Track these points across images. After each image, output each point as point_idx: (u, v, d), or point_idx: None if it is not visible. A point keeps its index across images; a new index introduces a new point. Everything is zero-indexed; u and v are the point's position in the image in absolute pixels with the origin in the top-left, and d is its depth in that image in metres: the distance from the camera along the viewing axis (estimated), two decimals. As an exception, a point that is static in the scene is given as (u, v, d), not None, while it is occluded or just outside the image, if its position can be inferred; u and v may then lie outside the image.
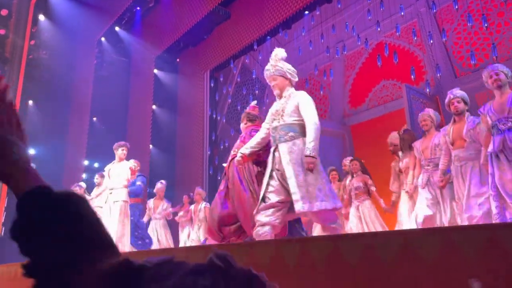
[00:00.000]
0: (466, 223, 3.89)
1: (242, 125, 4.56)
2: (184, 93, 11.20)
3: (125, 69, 12.29)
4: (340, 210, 3.93)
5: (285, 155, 3.52)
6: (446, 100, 4.27)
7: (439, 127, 4.78)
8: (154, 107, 11.14)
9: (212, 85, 10.63)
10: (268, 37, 9.02)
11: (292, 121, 3.63)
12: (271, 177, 3.58)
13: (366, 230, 5.77)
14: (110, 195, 5.64)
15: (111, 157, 6.05)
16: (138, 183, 6.80)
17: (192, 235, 7.44)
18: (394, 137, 5.78)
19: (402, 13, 7.26)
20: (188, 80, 11.08)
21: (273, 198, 3.49)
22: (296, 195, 3.37)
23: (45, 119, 10.86)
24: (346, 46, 8.65)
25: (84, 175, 10.62)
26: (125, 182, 5.66)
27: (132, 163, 5.88)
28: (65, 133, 11.69)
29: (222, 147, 10.31)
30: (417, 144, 4.80)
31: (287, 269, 1.92)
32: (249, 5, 9.15)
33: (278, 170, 3.57)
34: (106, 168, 5.90)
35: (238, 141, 4.41)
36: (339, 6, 8.23)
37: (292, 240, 2.79)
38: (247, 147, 3.91)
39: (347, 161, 6.69)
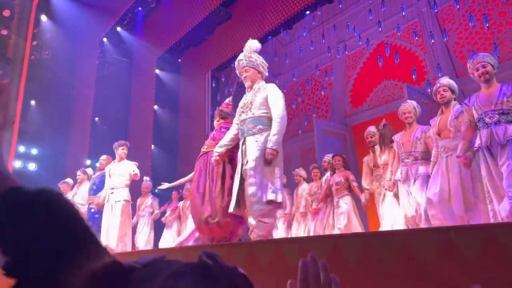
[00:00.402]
0: (450, 219, 3.74)
1: (215, 122, 4.51)
2: (186, 93, 11.22)
3: (127, 69, 12.31)
4: (281, 209, 3.85)
5: (251, 147, 3.47)
6: (434, 89, 4.15)
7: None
8: (155, 107, 11.16)
9: (213, 85, 10.64)
10: (270, 37, 9.02)
11: (261, 114, 3.55)
12: (241, 173, 3.53)
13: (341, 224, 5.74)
14: (111, 194, 5.62)
15: (112, 157, 6.06)
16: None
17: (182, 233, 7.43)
18: (371, 131, 5.70)
19: (403, 13, 7.26)
20: (189, 80, 11.09)
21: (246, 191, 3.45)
22: (251, 179, 3.36)
23: (47, 119, 10.89)
24: (348, 46, 8.65)
25: (86, 175, 10.64)
26: (126, 182, 5.65)
27: (132, 167, 5.80)
28: (67, 133, 11.73)
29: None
30: (397, 137, 4.65)
31: (288, 269, 1.93)
32: (250, 6, 9.15)
33: (244, 164, 3.51)
34: (107, 168, 5.90)
35: (209, 138, 4.36)
36: (340, 6, 8.24)
37: (293, 239, 2.80)
38: (221, 145, 3.85)
39: (327, 157, 6.61)
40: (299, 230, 6.86)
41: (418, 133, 4.48)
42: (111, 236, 5.36)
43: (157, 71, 11.30)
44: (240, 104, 3.78)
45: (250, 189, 3.35)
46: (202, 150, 4.25)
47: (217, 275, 0.55)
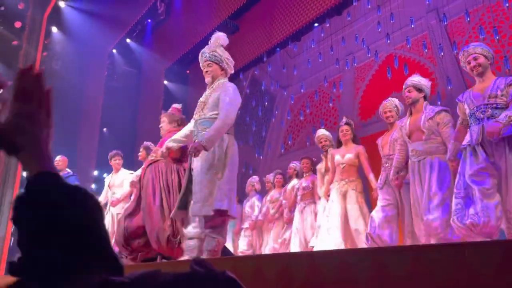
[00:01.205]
0: (422, 230, 3.50)
1: (163, 126, 4.14)
2: (194, 104, 11.21)
3: (136, 80, 12.39)
4: (232, 218, 3.39)
5: None
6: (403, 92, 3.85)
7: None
8: (163, 118, 11.18)
9: (221, 96, 10.65)
10: (278, 49, 9.03)
11: (211, 115, 3.22)
12: (189, 178, 3.22)
13: (309, 236, 5.33)
14: (112, 206, 5.56)
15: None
16: None
17: None
18: (324, 135, 5.37)
19: (413, 26, 7.23)
20: (197, 92, 11.08)
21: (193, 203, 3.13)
22: (197, 194, 3.02)
23: (56, 129, 10.88)
24: (356, 58, 8.63)
25: (93, 186, 10.65)
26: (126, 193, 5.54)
27: (129, 177, 5.54)
28: (75, 143, 11.77)
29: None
30: (379, 140, 4.37)
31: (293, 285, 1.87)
32: (258, 18, 9.19)
33: (193, 169, 3.19)
34: (106, 180, 5.84)
35: (157, 146, 4.09)
36: (348, 18, 8.24)
37: (299, 254, 2.73)
38: (173, 140, 3.49)
39: (293, 164, 6.30)
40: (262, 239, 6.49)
41: (396, 133, 4.07)
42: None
43: (165, 82, 11.35)
44: (199, 101, 3.49)
45: (195, 204, 3.02)
46: (150, 158, 3.90)
47: (208, 281, 0.55)
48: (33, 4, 10.94)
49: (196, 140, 3.13)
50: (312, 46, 8.86)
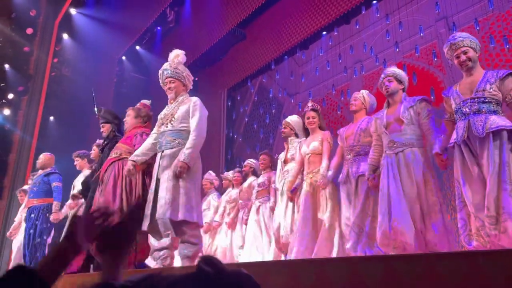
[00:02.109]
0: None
1: (128, 120, 4.02)
2: (202, 111, 11.26)
3: (145, 87, 12.46)
4: (200, 227, 3.43)
5: (166, 161, 3.22)
6: (379, 83, 3.61)
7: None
8: (171, 124, 11.21)
9: (229, 104, 10.69)
10: (286, 56, 9.05)
11: (181, 127, 3.36)
12: (156, 189, 3.24)
13: (265, 237, 4.94)
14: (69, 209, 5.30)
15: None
16: (56, 184, 5.71)
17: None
18: (285, 119, 4.87)
19: (422, 34, 7.21)
20: (205, 99, 11.08)
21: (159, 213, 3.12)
22: (162, 200, 3.07)
23: (65, 134, 11.02)
24: (364, 66, 8.61)
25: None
26: None
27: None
28: (85, 149, 11.83)
29: (238, 165, 10.28)
30: (341, 130, 4.03)
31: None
32: (266, 26, 9.23)
33: (159, 179, 3.24)
34: (75, 181, 5.55)
35: (121, 142, 3.91)
36: (357, 27, 8.24)
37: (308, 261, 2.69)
38: (138, 154, 3.47)
39: (249, 161, 5.92)
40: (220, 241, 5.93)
41: (364, 123, 3.82)
42: None
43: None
44: (161, 115, 3.54)
45: (160, 211, 3.05)
46: (114, 155, 3.79)
47: (219, 279, 0.53)
48: (45, 11, 11.11)
49: (164, 149, 3.26)
50: (320, 54, 8.86)
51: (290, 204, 4.40)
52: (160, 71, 3.61)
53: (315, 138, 4.24)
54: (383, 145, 3.39)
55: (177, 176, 3.13)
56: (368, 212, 3.49)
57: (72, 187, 5.46)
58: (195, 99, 3.49)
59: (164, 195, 3.11)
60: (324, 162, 4.01)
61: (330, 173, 3.91)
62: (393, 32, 7.59)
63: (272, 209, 4.88)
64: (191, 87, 3.67)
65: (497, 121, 2.71)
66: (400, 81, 3.49)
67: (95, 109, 4.59)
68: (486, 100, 2.80)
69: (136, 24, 11.24)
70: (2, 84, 10.19)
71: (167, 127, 3.40)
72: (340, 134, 4.00)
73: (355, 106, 3.99)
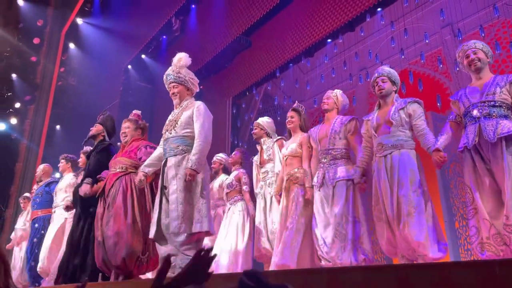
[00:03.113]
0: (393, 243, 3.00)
1: (127, 132, 3.84)
2: (207, 119, 11.27)
3: (150, 96, 12.51)
4: (211, 235, 3.34)
5: (171, 169, 3.17)
6: (371, 81, 3.44)
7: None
8: (177, 133, 11.23)
9: (234, 111, 10.69)
10: (291, 64, 9.06)
11: (185, 133, 3.30)
12: (162, 196, 3.20)
13: (231, 241, 4.45)
14: (54, 213, 5.22)
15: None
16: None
17: None
18: (264, 120, 4.70)
19: (427, 41, 7.20)
20: (210, 107, 11.06)
21: (163, 219, 3.11)
22: (173, 213, 3.02)
23: (72, 143, 11.06)
24: (369, 73, 8.60)
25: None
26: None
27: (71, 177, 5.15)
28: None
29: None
30: (314, 132, 3.81)
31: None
32: (271, 34, 9.25)
33: (166, 187, 3.19)
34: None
35: (123, 156, 3.76)
36: (362, 34, 8.24)
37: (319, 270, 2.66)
38: (148, 165, 3.41)
39: (218, 156, 5.45)
40: None
41: (337, 125, 3.63)
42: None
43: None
44: (167, 123, 3.48)
45: (172, 223, 3.01)
46: (119, 170, 3.68)
47: None
48: (52, 21, 11.22)
49: (168, 157, 3.19)
50: (325, 61, 8.86)
51: (275, 206, 4.18)
52: (164, 76, 3.57)
53: (295, 139, 4.03)
54: (373, 147, 3.29)
55: (186, 185, 3.08)
56: (348, 217, 3.33)
57: (54, 193, 5.33)
58: (198, 103, 3.43)
59: (175, 207, 3.07)
60: (306, 170, 3.77)
61: (314, 181, 3.64)
62: (398, 39, 7.58)
63: (253, 217, 4.53)
64: (197, 90, 3.59)
65: (509, 125, 2.66)
66: (394, 82, 3.34)
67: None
68: (497, 104, 2.74)
69: (142, 33, 11.32)
70: (9, 94, 10.28)
71: (171, 133, 3.35)
72: (312, 135, 3.80)
73: (327, 105, 3.81)
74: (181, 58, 3.53)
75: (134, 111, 4.32)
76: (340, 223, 3.31)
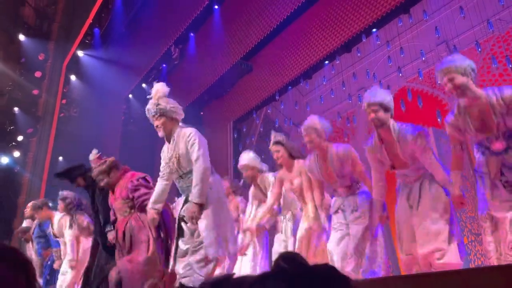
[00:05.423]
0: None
1: (108, 178, 3.79)
2: (208, 144, 11.26)
3: (152, 124, 12.58)
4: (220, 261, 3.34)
5: None
6: (363, 107, 3.18)
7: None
8: (179, 159, 11.25)
9: (235, 136, 10.72)
10: (290, 87, 9.14)
11: (192, 167, 3.27)
12: (181, 224, 3.25)
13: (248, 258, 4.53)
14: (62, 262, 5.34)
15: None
16: (49, 230, 5.76)
17: None
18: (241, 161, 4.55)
19: (423, 58, 7.27)
20: (212, 132, 11.22)
21: (181, 245, 3.18)
22: (207, 240, 3.03)
23: (74, 174, 11.09)
24: (368, 92, 8.65)
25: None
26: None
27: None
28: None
29: (245, 197, 10.21)
30: (314, 168, 3.70)
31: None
32: (270, 58, 9.37)
33: (183, 216, 3.23)
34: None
35: (118, 200, 3.74)
36: (358, 54, 8.33)
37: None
38: (156, 202, 3.40)
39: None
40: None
41: (336, 161, 3.48)
42: None
43: (180, 123, 11.49)
44: (164, 157, 3.44)
45: (210, 251, 3.02)
46: (125, 215, 3.70)
47: (301, 276, 0.50)
48: (53, 54, 11.42)
49: (188, 193, 3.20)
50: (324, 83, 8.94)
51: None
52: (146, 112, 3.55)
53: (295, 172, 3.93)
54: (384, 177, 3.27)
55: (192, 220, 3.07)
56: (366, 236, 3.37)
57: (48, 232, 5.40)
58: (188, 131, 3.38)
59: (206, 234, 3.06)
60: (310, 203, 3.68)
61: (322, 217, 3.61)
62: (395, 58, 7.66)
63: (242, 253, 4.38)
64: (183, 115, 3.55)
65: None
66: (387, 110, 3.10)
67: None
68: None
69: (142, 63, 11.49)
70: (11, 127, 10.36)
71: (178, 172, 3.35)
72: (313, 172, 3.65)
73: (312, 143, 3.51)
74: (158, 90, 3.49)
75: (94, 155, 4.33)
76: (360, 243, 3.35)
